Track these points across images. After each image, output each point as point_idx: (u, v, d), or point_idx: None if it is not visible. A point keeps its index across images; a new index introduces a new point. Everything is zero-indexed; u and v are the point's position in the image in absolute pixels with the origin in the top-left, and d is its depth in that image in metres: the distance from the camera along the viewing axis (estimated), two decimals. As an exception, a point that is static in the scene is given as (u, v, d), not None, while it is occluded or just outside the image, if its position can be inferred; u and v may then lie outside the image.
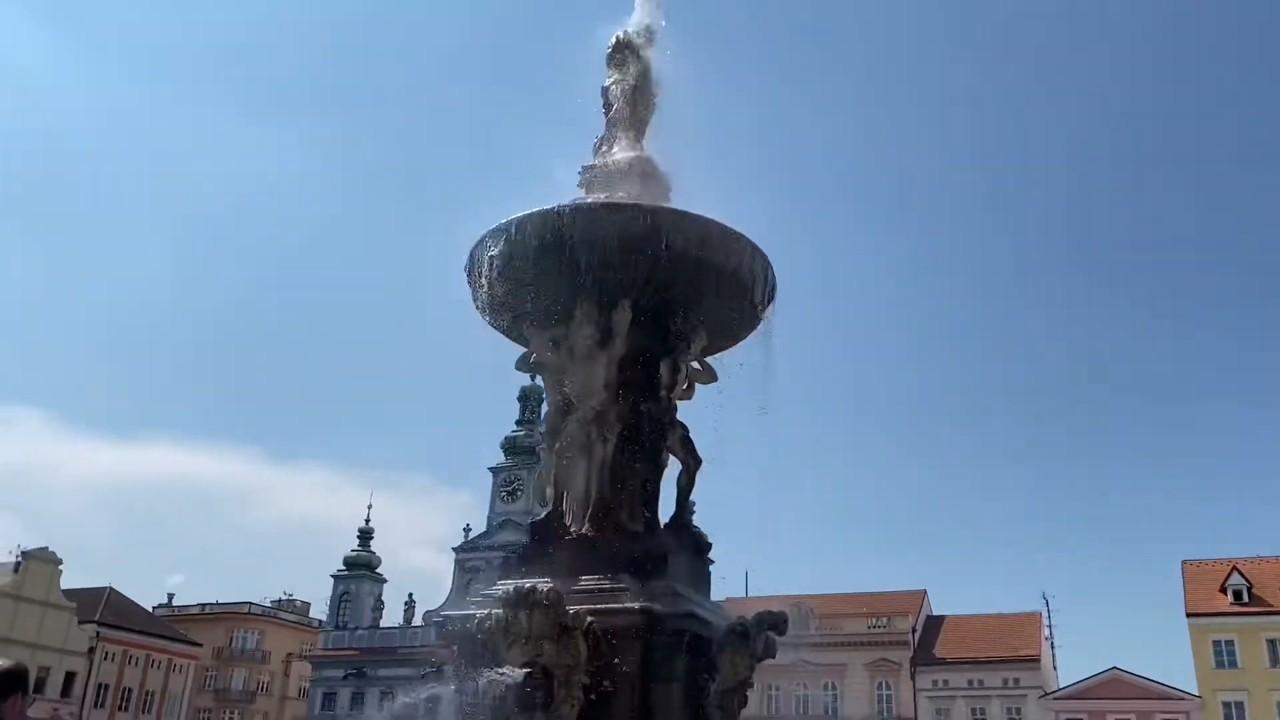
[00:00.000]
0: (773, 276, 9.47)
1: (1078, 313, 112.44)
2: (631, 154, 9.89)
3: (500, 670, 7.49)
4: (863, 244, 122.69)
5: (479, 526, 72.36)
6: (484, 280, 9.02)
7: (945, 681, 60.44)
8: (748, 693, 8.30)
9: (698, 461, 9.21)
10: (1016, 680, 59.20)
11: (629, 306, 8.91)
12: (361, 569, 72.05)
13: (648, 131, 10.30)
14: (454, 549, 71.13)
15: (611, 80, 10.32)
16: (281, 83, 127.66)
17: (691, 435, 9.20)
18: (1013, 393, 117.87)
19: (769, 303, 9.61)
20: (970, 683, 59.82)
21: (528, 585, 7.55)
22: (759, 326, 9.79)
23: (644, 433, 8.83)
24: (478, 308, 9.32)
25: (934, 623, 64.89)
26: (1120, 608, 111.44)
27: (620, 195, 9.42)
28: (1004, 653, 60.07)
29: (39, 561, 62.42)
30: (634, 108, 10.16)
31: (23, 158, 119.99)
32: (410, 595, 72.48)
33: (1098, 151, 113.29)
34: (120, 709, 66.77)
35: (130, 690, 67.43)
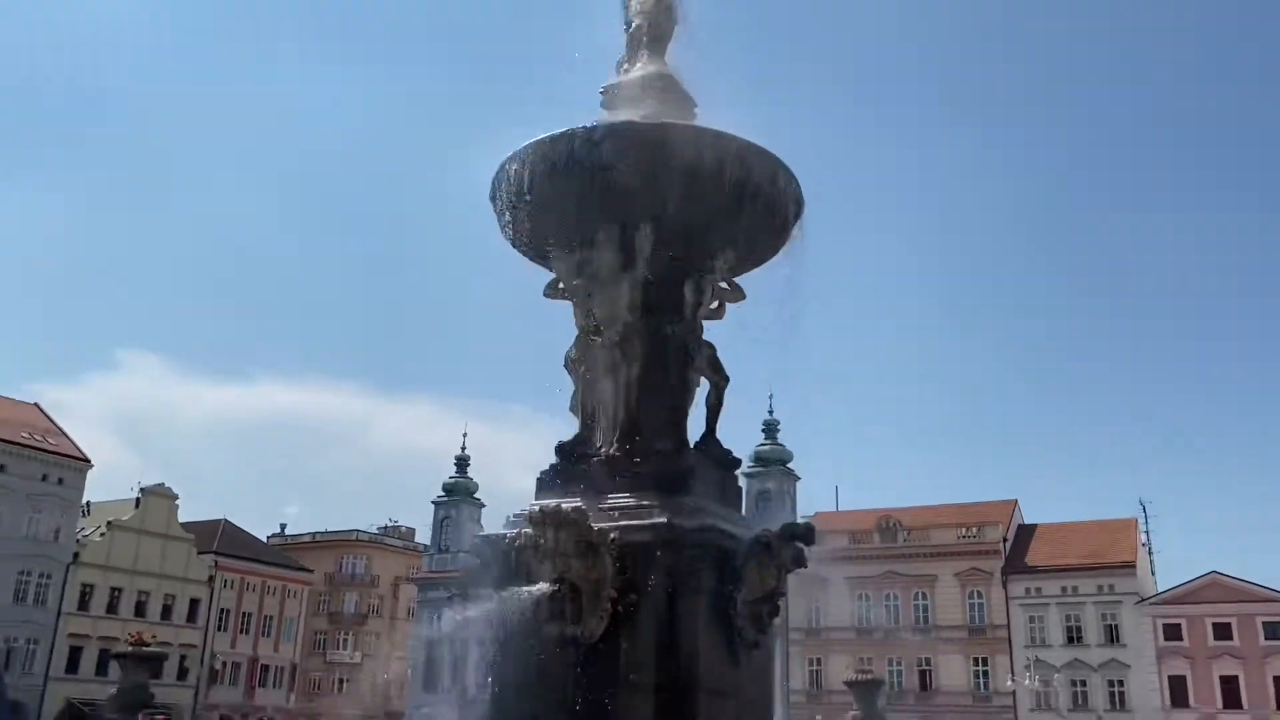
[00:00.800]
0: (799, 191, 9.32)
1: (1174, 204, 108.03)
2: (651, 70, 9.76)
3: (530, 587, 7.70)
4: (925, 138, 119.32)
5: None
6: (506, 208, 9.08)
7: (1038, 589, 59.97)
8: (780, 602, 8.37)
9: (725, 380, 9.25)
10: (1111, 586, 58.44)
11: (650, 228, 8.88)
12: (460, 495, 74.00)
13: (669, 47, 10.12)
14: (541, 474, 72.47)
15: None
16: (359, 26, 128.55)
17: (719, 355, 9.23)
18: (1105, 293, 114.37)
19: (797, 219, 9.48)
20: (1064, 590, 59.26)
21: (553, 504, 7.72)
22: (788, 244, 9.69)
23: (670, 354, 8.86)
24: (505, 236, 9.38)
25: (1026, 531, 64.25)
26: (1219, 512, 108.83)
27: (639, 114, 9.32)
28: (1099, 559, 59.22)
29: (157, 497, 65.61)
30: (654, 22, 9.98)
31: (128, 105, 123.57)
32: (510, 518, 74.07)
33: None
34: (241, 632, 70.42)
35: (249, 614, 70.96)
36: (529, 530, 7.75)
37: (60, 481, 60.66)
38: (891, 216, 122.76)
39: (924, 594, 62.24)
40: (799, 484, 72.51)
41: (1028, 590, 59.96)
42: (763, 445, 71.92)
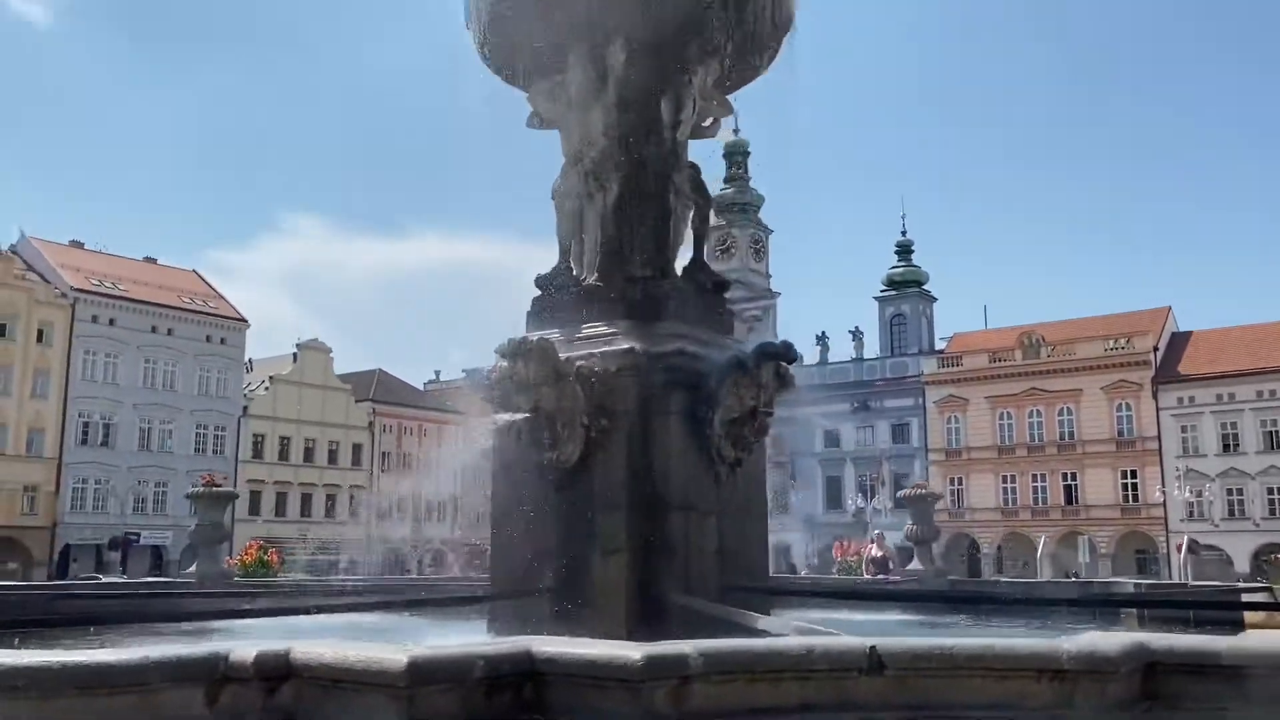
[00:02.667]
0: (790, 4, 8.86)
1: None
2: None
3: (506, 415, 7.92)
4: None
5: (699, 284, 73.65)
6: (480, 30, 8.92)
7: (1191, 399, 57.72)
8: (768, 421, 8.35)
9: (708, 201, 9.01)
10: (1273, 392, 55.65)
11: (621, 45, 8.59)
12: (595, 333, 75.51)
13: None
14: (678, 308, 73.04)
15: None
16: None
17: (703, 176, 8.97)
18: (1249, 73, 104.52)
19: (787, 23, 9.04)
20: (1219, 398, 56.83)
21: (520, 337, 7.82)
22: (779, 52, 9.26)
23: (648, 177, 8.66)
24: (486, 65, 9.24)
25: (1179, 340, 61.47)
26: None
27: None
28: (1258, 364, 56.25)
29: (312, 351, 69.46)
30: None
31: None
32: (643, 354, 75.64)
33: None
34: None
35: (409, 455, 75.44)
36: (504, 363, 7.90)
37: (223, 341, 64.91)
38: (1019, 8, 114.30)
39: (1069, 409, 60.74)
40: (936, 305, 70.86)
41: (1180, 400, 57.74)
42: (895, 267, 70.37)
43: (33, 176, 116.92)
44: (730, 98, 9.67)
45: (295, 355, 69.09)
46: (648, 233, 8.68)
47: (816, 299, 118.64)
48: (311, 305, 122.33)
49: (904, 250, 70.79)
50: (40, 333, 57.15)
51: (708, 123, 9.45)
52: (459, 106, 9.26)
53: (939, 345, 69.11)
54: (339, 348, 71.82)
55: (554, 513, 7.92)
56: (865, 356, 68.54)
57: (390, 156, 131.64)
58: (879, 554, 18.57)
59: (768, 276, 74.68)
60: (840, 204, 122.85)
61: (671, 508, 7.75)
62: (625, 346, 7.84)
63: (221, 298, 67.42)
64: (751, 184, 75.11)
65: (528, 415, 7.87)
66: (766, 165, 73.88)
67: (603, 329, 8.15)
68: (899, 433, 65.72)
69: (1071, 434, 60.60)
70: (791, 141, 9.10)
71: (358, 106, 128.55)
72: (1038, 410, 61.69)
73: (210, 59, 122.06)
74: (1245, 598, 11.28)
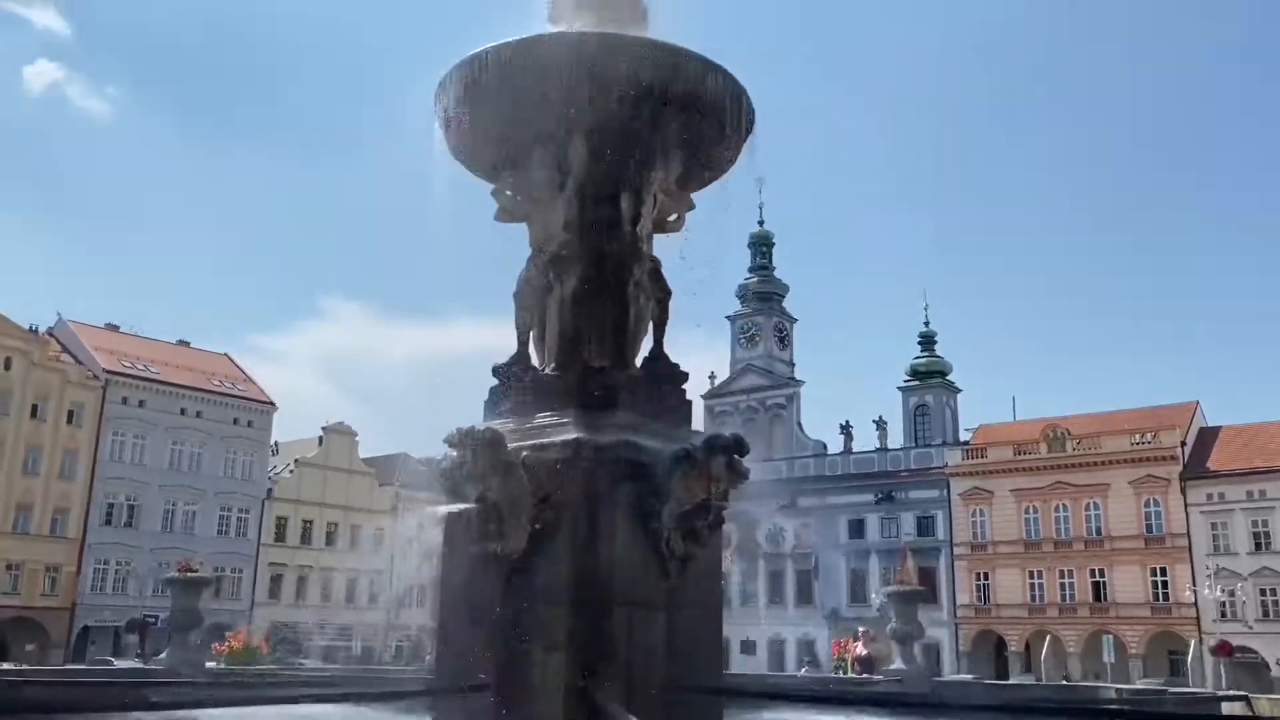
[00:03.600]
0: (739, 95, 9.01)
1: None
2: (591, -22, 9.48)
3: (456, 506, 7.88)
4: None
5: (723, 374, 73.71)
6: (448, 129, 9.11)
7: (1221, 495, 56.50)
8: (723, 514, 8.24)
9: (667, 293, 9.04)
10: (1304, 490, 54.38)
11: (583, 141, 8.74)
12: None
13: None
14: (702, 396, 72.95)
15: None
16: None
17: (663, 269, 9.04)
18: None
19: (746, 125, 9.19)
20: (1250, 494, 55.59)
21: (468, 427, 7.82)
22: (742, 151, 9.42)
23: (607, 270, 8.73)
24: (456, 158, 9.42)
25: (1208, 435, 60.42)
26: None
27: (576, 26, 9.12)
28: (1289, 461, 55.11)
29: (338, 434, 69.85)
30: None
31: (310, 68, 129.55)
32: (666, 443, 75.43)
33: None
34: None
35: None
36: (453, 452, 7.90)
37: (250, 424, 65.49)
38: (1044, 106, 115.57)
39: (1095, 504, 59.59)
40: (961, 396, 70.32)
41: (1210, 496, 56.51)
42: (919, 358, 70.08)
43: (79, 259, 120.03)
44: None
45: (321, 438, 69.52)
46: (605, 324, 8.72)
47: (840, 388, 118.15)
48: (343, 388, 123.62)
49: (927, 340, 70.58)
50: (71, 414, 58.00)
51: (672, 218, 9.52)
52: (430, 197, 9.28)
53: (964, 436, 68.40)
54: (368, 431, 72.10)
55: (499, 606, 7.81)
56: (889, 447, 67.88)
57: (424, 241, 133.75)
58: (863, 652, 18.08)
59: (791, 365, 74.61)
60: (864, 293, 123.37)
61: (615, 604, 7.62)
62: (571, 437, 7.82)
63: (251, 381, 68.24)
64: (776, 273, 75.59)
65: (476, 505, 7.83)
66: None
67: (553, 419, 8.14)
68: (924, 525, 64.68)
69: (1099, 529, 59.33)
70: (750, 237, 8.98)
71: (397, 191, 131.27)
72: (1064, 505, 60.56)
73: (257, 147, 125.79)
74: (1225, 707, 10.83)
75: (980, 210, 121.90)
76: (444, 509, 8.00)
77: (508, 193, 9.32)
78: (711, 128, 8.98)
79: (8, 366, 56.02)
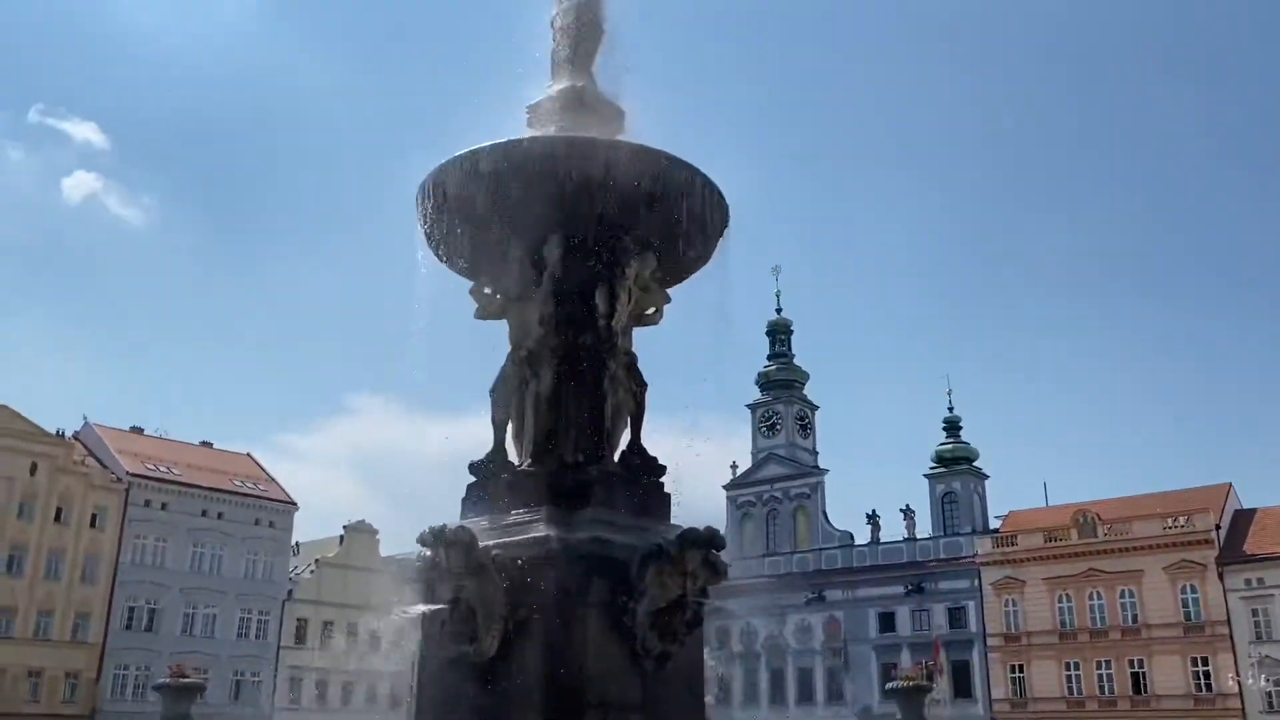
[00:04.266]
0: (721, 200, 9.25)
1: None
2: (567, 85, 9.78)
3: (430, 606, 7.84)
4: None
5: (744, 463, 73.22)
6: (428, 234, 9.31)
7: (1260, 580, 55.04)
8: (701, 611, 8.13)
9: (643, 387, 9.10)
10: (1346, 572, 52.89)
11: (558, 240, 8.91)
12: (642, 514, 75.00)
13: (595, 61, 10.13)
14: (724, 486, 72.47)
15: (554, 12, 10.23)
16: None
17: (639, 363, 9.12)
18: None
19: (722, 226, 9.40)
20: (1290, 578, 54.04)
21: (440, 526, 7.82)
22: (716, 251, 9.59)
23: (583, 365, 8.80)
24: (438, 257, 9.60)
25: (1243, 517, 59.13)
26: None
27: (553, 129, 9.37)
28: (1329, 543, 53.74)
29: (359, 533, 69.59)
30: (575, 39, 10.00)
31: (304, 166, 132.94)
32: (689, 534, 74.67)
33: None
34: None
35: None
36: (427, 552, 7.89)
37: (271, 524, 65.47)
38: (1062, 187, 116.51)
39: (1130, 591, 58.14)
40: (990, 482, 69.39)
41: (1249, 581, 55.03)
42: (944, 444, 69.40)
43: (108, 363, 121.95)
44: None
45: (342, 537, 69.30)
46: (581, 419, 8.75)
47: (865, 476, 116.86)
48: (369, 485, 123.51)
49: (952, 426, 69.97)
50: (94, 517, 58.23)
51: (650, 311, 9.62)
52: (413, 296, 9.42)
53: (993, 524, 67.27)
54: (393, 528, 71.64)
55: (473, 710, 7.71)
56: (918, 536, 66.82)
57: (452, 336, 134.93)
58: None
59: (815, 453, 74.03)
60: (886, 379, 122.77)
61: (589, 706, 7.50)
62: (541, 534, 7.80)
63: (273, 480, 68.42)
64: (795, 360, 75.56)
65: (449, 606, 7.79)
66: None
67: (525, 516, 8.14)
68: (956, 616, 63.21)
69: (1135, 617, 57.75)
70: (729, 333, 9.14)
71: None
72: (1098, 592, 59.10)
73: (283, 247, 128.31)
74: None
75: (1003, 293, 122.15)
76: (419, 609, 7.96)
77: (486, 291, 9.47)
78: (686, 225, 9.13)
79: (33, 471, 56.54)
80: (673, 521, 8.50)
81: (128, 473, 60.09)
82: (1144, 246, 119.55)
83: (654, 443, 9.18)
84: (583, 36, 10.08)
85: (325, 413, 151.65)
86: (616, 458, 8.94)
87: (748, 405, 73.90)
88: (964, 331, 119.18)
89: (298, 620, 65.25)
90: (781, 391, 73.46)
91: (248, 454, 70.74)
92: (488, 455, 8.94)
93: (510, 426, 9.07)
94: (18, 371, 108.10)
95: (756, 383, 75.00)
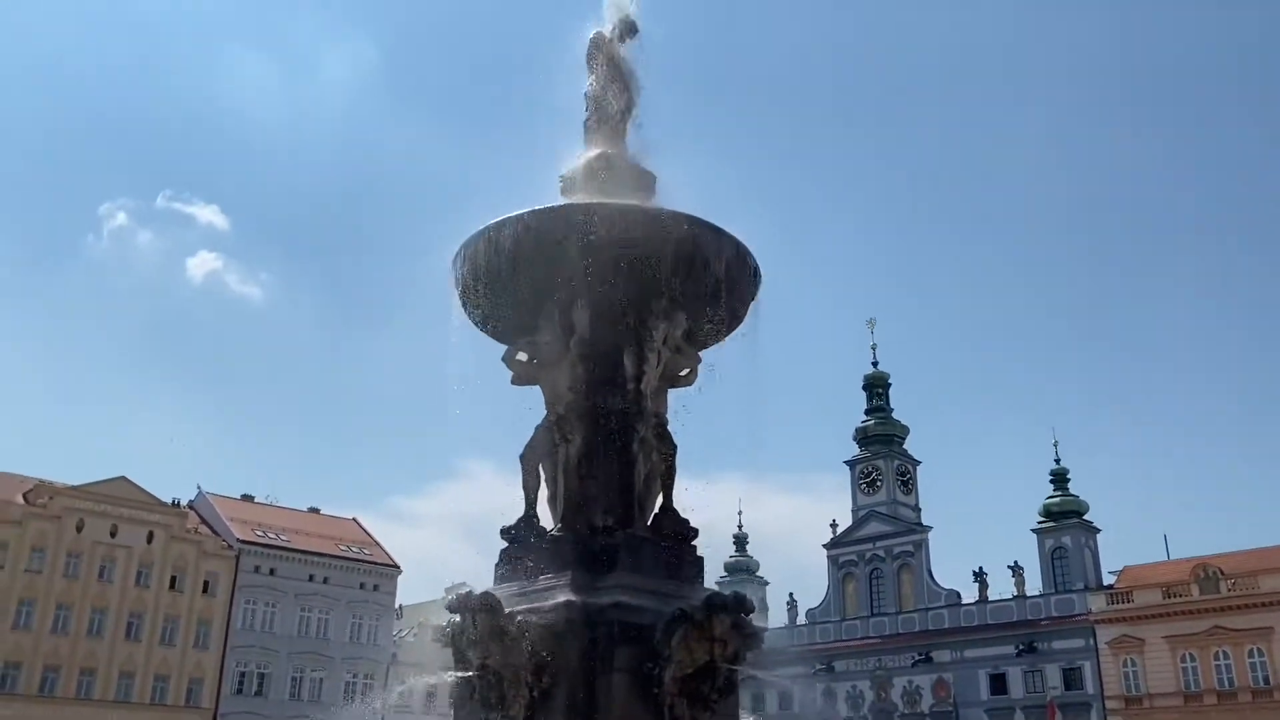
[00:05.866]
0: (752, 262, 9.29)
1: None
2: (598, 153, 9.96)
3: (459, 672, 7.87)
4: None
5: (844, 521, 71.87)
6: (464, 302, 9.53)
7: (1405, 636, 51.24)
8: (734, 678, 7.98)
9: (673, 449, 9.06)
10: None
11: (585, 304, 9.00)
12: (742, 574, 74.09)
13: (628, 129, 10.31)
14: (824, 546, 71.18)
15: (588, 82, 10.46)
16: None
17: (669, 426, 9.11)
18: None
19: (754, 288, 9.43)
20: None
21: (465, 592, 7.87)
22: (749, 308, 9.61)
23: (612, 428, 8.82)
24: (473, 323, 9.81)
25: (1383, 568, 55.25)
26: None
27: (586, 197, 9.53)
28: None
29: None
30: (605, 105, 10.20)
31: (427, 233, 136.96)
32: (791, 595, 73.53)
33: None
34: None
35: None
36: (455, 619, 7.94)
37: (376, 588, 66.58)
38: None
39: (1259, 650, 54.74)
40: (1103, 535, 66.58)
41: (1393, 638, 51.35)
42: (1051, 497, 66.95)
43: (225, 434, 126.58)
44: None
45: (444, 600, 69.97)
46: (610, 483, 8.76)
47: (971, 532, 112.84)
48: (474, 547, 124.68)
49: (1059, 479, 67.44)
50: (206, 584, 60.12)
51: (684, 372, 9.63)
52: (453, 362, 9.62)
53: (1107, 580, 64.36)
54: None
55: (501, 778, 7.66)
56: (1027, 594, 64.31)
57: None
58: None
59: (917, 510, 72.18)
60: (989, 432, 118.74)
61: (617, 773, 7.39)
62: (564, 600, 7.78)
63: (377, 544, 69.73)
64: (894, 415, 74.12)
65: (477, 672, 7.79)
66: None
67: (552, 582, 8.13)
68: (1071, 678, 60.35)
69: (1267, 679, 54.29)
70: (763, 395, 9.16)
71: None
72: (1224, 652, 55.77)
73: (396, 317, 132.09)
74: None
75: (1110, 337, 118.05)
76: (450, 675, 8.00)
77: (520, 357, 9.59)
78: (716, 287, 9.15)
79: (150, 540, 58.79)
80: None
81: (238, 540, 61.98)
82: (1263, 286, 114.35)
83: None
84: (614, 105, 10.26)
85: (434, 477, 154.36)
86: (649, 521, 8.89)
87: (846, 462, 72.63)
88: (1069, 379, 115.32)
89: (401, 683, 65.88)
90: (881, 447, 71.99)
91: (353, 519, 72.34)
92: (519, 520, 8.98)
93: (543, 491, 9.10)
94: (141, 443, 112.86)
95: (855, 438, 73.73)
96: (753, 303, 9.55)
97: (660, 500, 9.03)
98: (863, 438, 73.15)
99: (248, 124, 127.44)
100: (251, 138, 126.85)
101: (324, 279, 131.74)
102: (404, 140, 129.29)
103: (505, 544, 8.94)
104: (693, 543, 8.92)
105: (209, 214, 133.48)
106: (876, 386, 74.83)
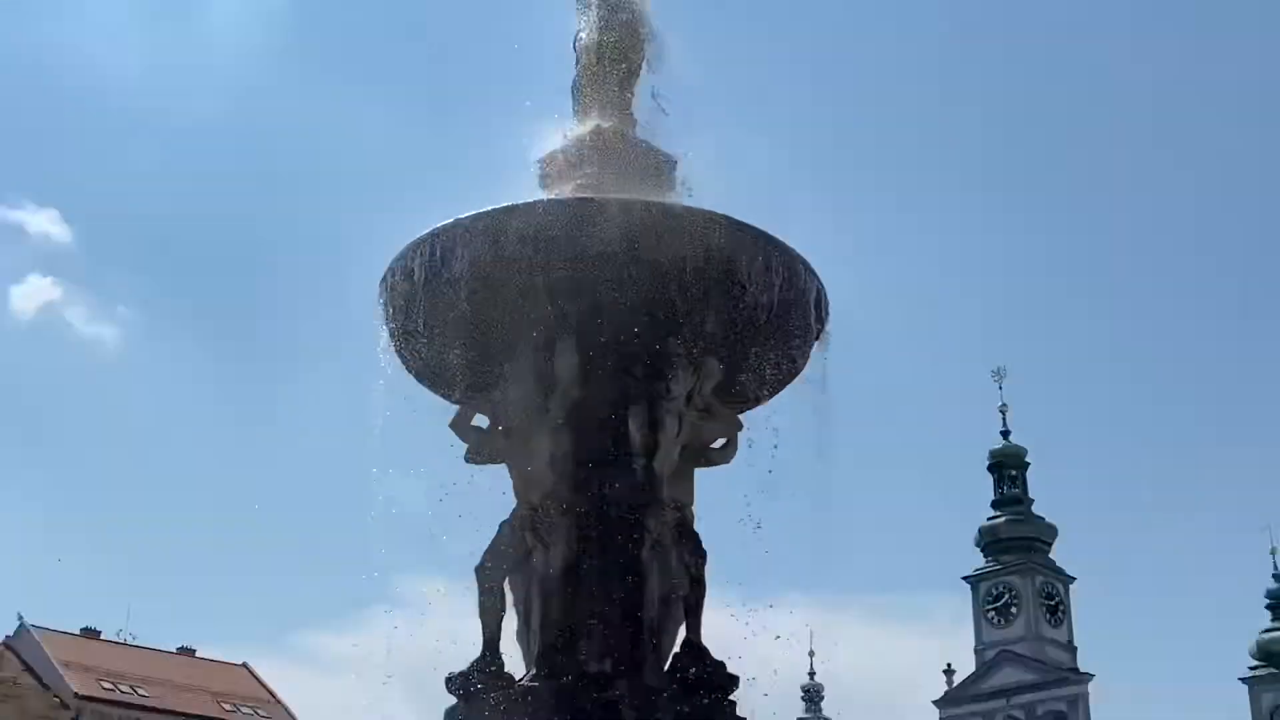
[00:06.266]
0: (814, 282, 9.38)
1: None
2: (591, 127, 10.06)
3: None
4: None
5: (964, 664, 71.33)
6: (397, 340, 9.60)
7: None
8: None
9: (701, 557, 9.05)
10: None
11: (572, 346, 9.03)
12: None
13: (635, 93, 10.45)
14: (936, 702, 70.64)
15: (578, 29, 10.60)
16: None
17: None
18: None
19: (819, 321, 9.50)
20: None
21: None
22: (812, 352, 9.67)
23: (610, 527, 8.83)
24: (410, 373, 9.88)
25: None
26: None
27: (565, 189, 9.63)
28: None
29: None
30: (606, 63, 10.33)
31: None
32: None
33: None
34: None
35: None
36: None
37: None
38: None
39: None
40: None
41: None
42: (1268, 631, 66.55)
43: (57, 540, 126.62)
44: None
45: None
46: (609, 607, 8.75)
47: (1150, 680, 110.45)
48: (413, 699, 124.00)
49: (1276, 602, 67.13)
50: (29, 758, 59.95)
51: (717, 443, 9.65)
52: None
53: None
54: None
55: None
56: (1237, 775, 63.67)
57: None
58: None
59: (1071, 649, 71.43)
60: (1174, 536, 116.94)
61: None
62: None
63: (276, 700, 69.51)
64: (1035, 508, 73.57)
65: None
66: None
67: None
68: None
69: None
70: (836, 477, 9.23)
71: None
72: None
73: (308, 376, 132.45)
74: None
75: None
76: None
77: (478, 422, 9.63)
78: (763, 319, 9.20)
79: (-53, 694, 58.82)
80: None
81: (76, 694, 61.87)
82: None
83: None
84: (617, 59, 10.38)
85: (357, 603, 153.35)
86: (666, 664, 8.89)
87: (966, 578, 72.17)
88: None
89: None
90: (1017, 556, 71.43)
91: (243, 664, 72.24)
92: (475, 663, 8.96)
93: (511, 619, 9.10)
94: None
95: (977, 543, 73.32)
96: (818, 343, 9.53)
97: (683, 633, 9.00)
98: (990, 542, 72.76)
99: (99, 91, 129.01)
100: (105, 112, 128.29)
101: (205, 315, 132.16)
102: (319, 115, 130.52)
103: (455, 699, 8.92)
104: (731, 697, 8.87)
105: (43, 222, 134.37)
106: (1008, 467, 74.53)
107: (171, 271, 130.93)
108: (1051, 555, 73.50)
